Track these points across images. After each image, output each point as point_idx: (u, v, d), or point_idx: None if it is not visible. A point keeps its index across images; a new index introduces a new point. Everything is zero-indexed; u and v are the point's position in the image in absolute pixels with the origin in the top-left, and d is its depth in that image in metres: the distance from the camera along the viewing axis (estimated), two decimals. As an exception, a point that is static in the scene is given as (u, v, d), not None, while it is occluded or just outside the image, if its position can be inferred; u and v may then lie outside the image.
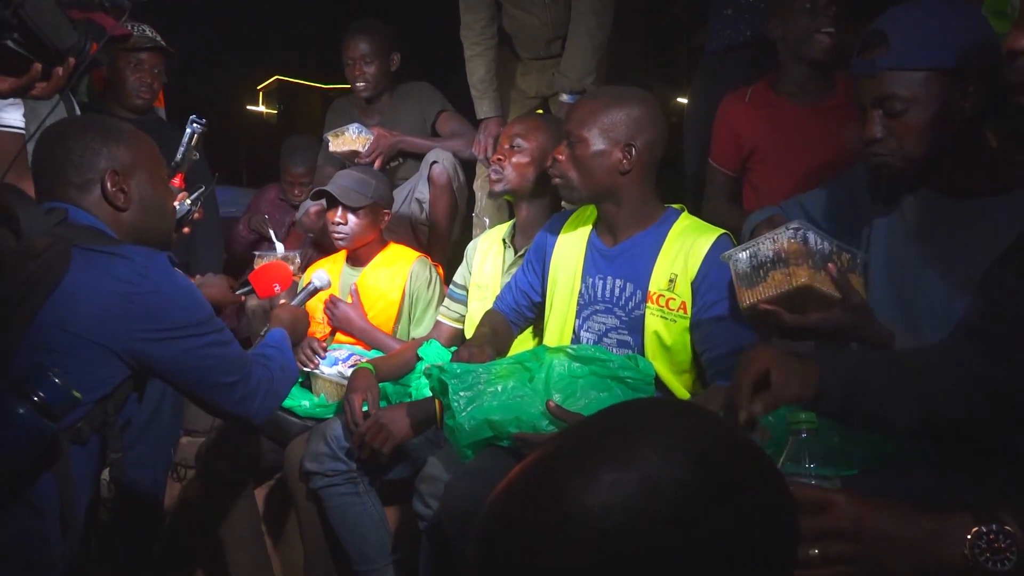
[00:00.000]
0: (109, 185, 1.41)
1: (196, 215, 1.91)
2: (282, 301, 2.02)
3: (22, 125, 1.85)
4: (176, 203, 1.94)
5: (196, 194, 1.97)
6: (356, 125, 2.89)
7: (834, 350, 1.36)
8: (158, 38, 2.75)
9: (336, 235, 2.38)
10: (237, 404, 1.46)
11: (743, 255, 1.41)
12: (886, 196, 1.49)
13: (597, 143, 1.70)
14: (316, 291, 2.09)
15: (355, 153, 2.87)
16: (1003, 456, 1.24)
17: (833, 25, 2.05)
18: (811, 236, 1.37)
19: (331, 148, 2.90)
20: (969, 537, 0.89)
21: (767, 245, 1.38)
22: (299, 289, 2.14)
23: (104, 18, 1.62)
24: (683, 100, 5.60)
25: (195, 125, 2.01)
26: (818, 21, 2.07)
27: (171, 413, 2.09)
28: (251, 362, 1.49)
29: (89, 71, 2.08)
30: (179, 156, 2.01)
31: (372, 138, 2.86)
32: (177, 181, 2.00)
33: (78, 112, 2.35)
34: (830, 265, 1.36)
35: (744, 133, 2.24)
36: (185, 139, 2.00)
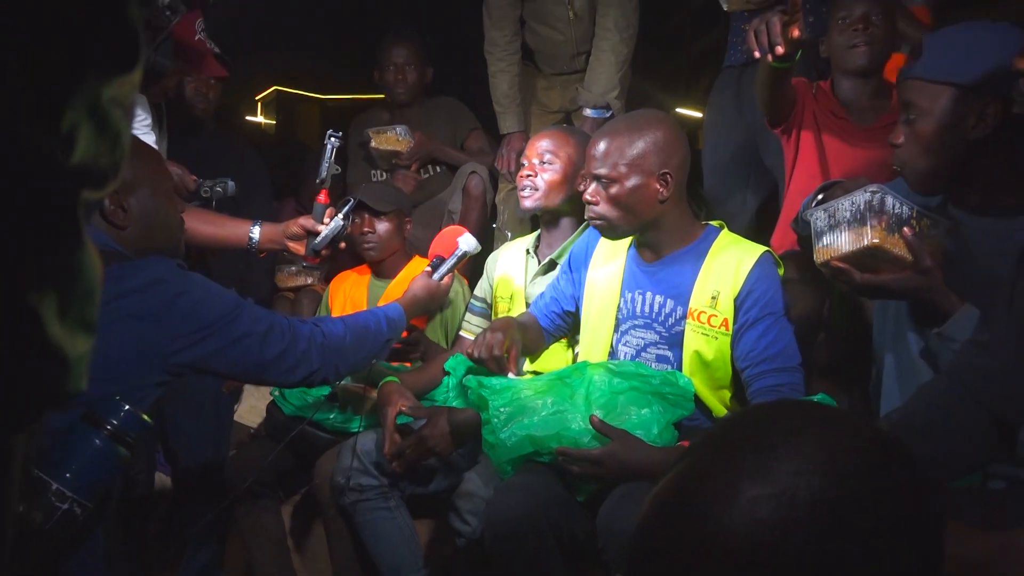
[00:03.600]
0: (107, 203, 1.40)
1: (349, 229, 1.93)
2: (426, 269, 2.01)
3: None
4: (327, 219, 1.96)
5: (346, 208, 1.99)
6: (402, 127, 2.92)
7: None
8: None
9: (366, 245, 2.37)
10: (291, 372, 1.49)
11: (822, 212, 1.47)
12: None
13: (631, 179, 1.67)
14: (465, 256, 2.05)
15: (395, 153, 2.90)
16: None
17: (865, 37, 2.07)
18: (888, 199, 1.41)
19: (372, 144, 2.92)
20: None
21: (845, 204, 1.43)
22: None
23: (203, 51, 1.67)
24: (683, 110, 5.62)
25: (333, 139, 2.03)
26: (849, 36, 2.09)
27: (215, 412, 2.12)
28: (294, 328, 1.51)
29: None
30: (323, 172, 2.02)
31: (414, 142, 2.88)
32: (322, 197, 2.03)
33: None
34: (905, 229, 1.40)
35: (802, 121, 2.19)
36: (327, 154, 2.02)
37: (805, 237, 1.74)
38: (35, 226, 0.43)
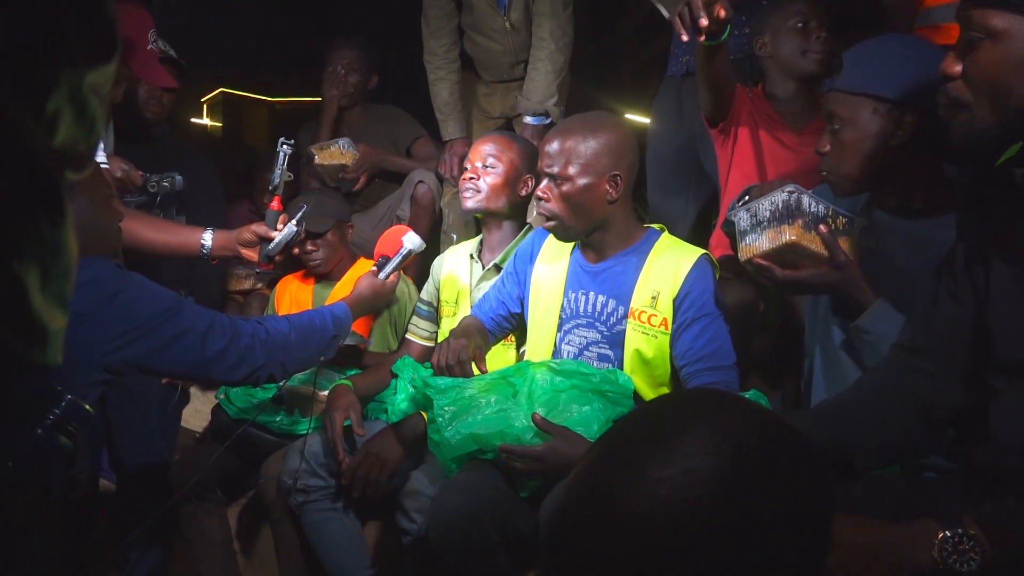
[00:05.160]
0: None
1: (302, 235, 1.91)
2: (372, 269, 2.04)
3: (103, 157, 1.88)
4: (280, 225, 1.96)
5: (299, 215, 2.00)
6: (345, 140, 2.92)
7: (793, 412, 1.44)
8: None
9: (312, 264, 2.39)
10: (234, 369, 1.50)
11: (744, 213, 1.52)
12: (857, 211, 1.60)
13: (583, 179, 1.73)
14: (409, 255, 2.08)
15: (341, 167, 2.90)
16: (958, 462, 1.34)
17: (821, 46, 2.14)
18: (805, 198, 1.48)
19: (316, 161, 2.92)
20: (936, 542, 0.97)
21: (764, 205, 1.49)
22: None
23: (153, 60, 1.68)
24: (631, 116, 5.72)
25: (285, 147, 2.04)
26: (809, 41, 2.15)
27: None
28: (236, 325, 1.52)
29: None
30: (276, 179, 2.03)
31: (359, 154, 2.89)
32: (275, 204, 2.03)
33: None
34: (822, 226, 1.47)
35: (741, 126, 2.23)
36: (279, 161, 2.03)
37: (733, 236, 1.82)
38: (24, 199, 0.45)
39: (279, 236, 1.99)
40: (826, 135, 1.52)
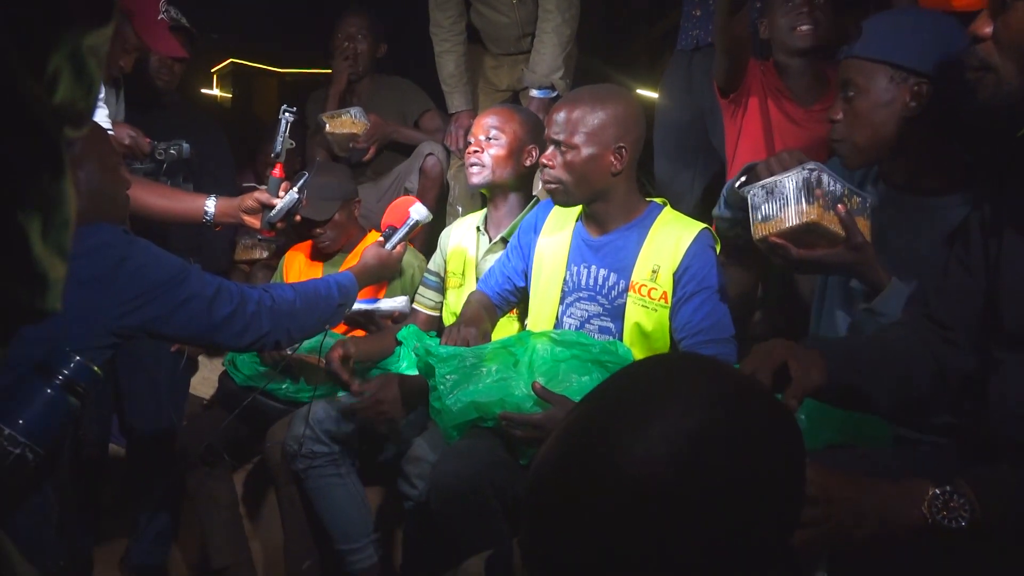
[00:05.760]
0: None
1: (304, 203, 1.95)
2: (379, 239, 2.06)
3: (109, 125, 1.89)
4: (282, 192, 1.99)
5: (301, 182, 2.02)
6: (357, 109, 2.93)
7: (828, 340, 1.42)
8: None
9: (322, 245, 2.41)
10: (241, 335, 1.52)
11: (760, 190, 1.49)
12: (860, 186, 1.59)
13: (588, 148, 1.74)
14: (416, 226, 2.10)
15: (352, 136, 2.91)
16: (954, 432, 1.36)
17: (810, 20, 2.13)
18: (825, 177, 1.44)
19: (327, 129, 2.92)
20: (927, 498, 0.99)
21: (783, 181, 1.46)
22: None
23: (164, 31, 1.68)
24: (643, 92, 5.68)
25: (287, 114, 2.05)
26: (793, 18, 2.15)
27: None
28: (243, 292, 1.55)
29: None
30: (277, 147, 2.05)
31: (370, 124, 2.90)
32: (277, 172, 2.05)
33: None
34: (839, 206, 1.44)
35: (748, 102, 2.25)
36: (281, 129, 2.04)
37: (723, 218, 1.81)
38: (26, 153, 0.47)
39: (281, 203, 2.01)
40: (839, 103, 1.50)
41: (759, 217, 1.50)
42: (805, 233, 1.46)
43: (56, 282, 0.51)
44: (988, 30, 1.16)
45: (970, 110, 1.25)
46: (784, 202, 1.47)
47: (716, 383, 0.67)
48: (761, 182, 1.52)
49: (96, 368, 1.17)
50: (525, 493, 0.67)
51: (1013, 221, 1.22)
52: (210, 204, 2.04)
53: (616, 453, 0.62)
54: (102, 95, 1.78)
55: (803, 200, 1.44)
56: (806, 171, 1.45)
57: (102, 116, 1.88)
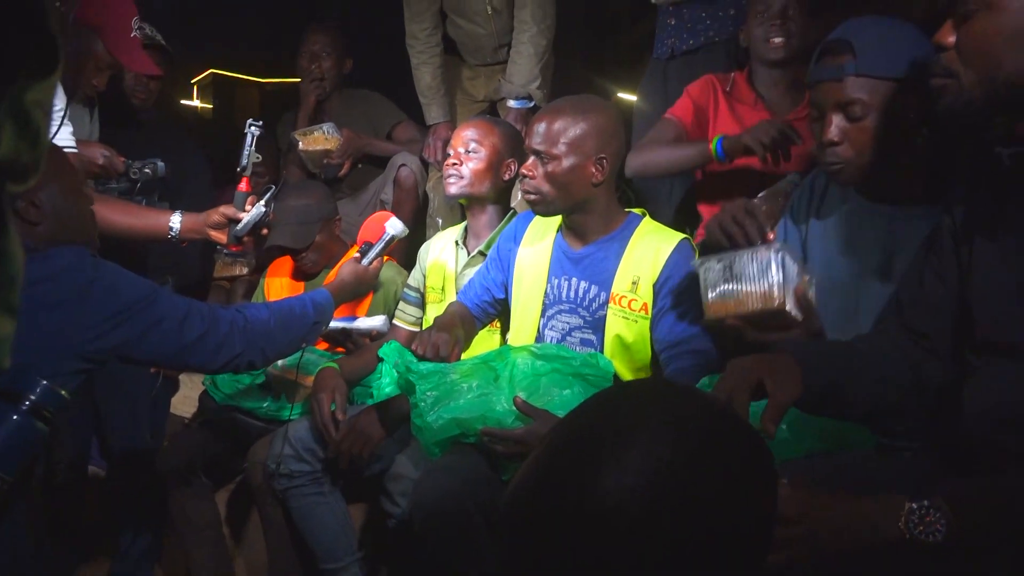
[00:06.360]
0: (19, 200, 1.41)
1: (271, 216, 1.93)
2: (355, 256, 2.04)
3: (73, 143, 1.88)
4: (248, 206, 1.97)
5: (268, 196, 2.00)
6: (329, 124, 2.92)
7: (802, 344, 1.38)
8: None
9: (305, 267, 2.39)
10: (213, 356, 1.51)
11: (717, 266, 1.40)
12: (827, 200, 1.59)
13: (570, 159, 1.74)
14: (392, 241, 2.07)
15: (326, 153, 2.90)
16: (932, 439, 1.37)
17: (783, 32, 2.15)
18: (788, 259, 1.37)
19: (301, 147, 2.91)
20: (903, 513, 0.99)
21: (744, 260, 1.38)
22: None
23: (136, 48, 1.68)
24: (623, 95, 5.70)
25: (253, 128, 2.03)
26: (766, 29, 2.17)
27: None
28: (214, 313, 1.53)
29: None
30: (243, 160, 2.02)
31: (342, 139, 2.89)
32: (243, 185, 2.03)
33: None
34: (799, 287, 1.38)
35: (716, 122, 2.28)
36: (247, 143, 2.02)
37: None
38: None
39: (247, 217, 1.99)
40: (835, 124, 1.41)
41: (715, 295, 1.41)
42: (767, 316, 1.38)
43: (4, 339, 0.50)
44: (951, 39, 1.17)
45: (934, 116, 1.25)
46: (747, 282, 1.37)
47: (685, 411, 0.67)
48: (718, 256, 1.42)
49: (64, 392, 1.16)
50: (500, 525, 0.67)
51: (982, 228, 1.23)
52: (175, 220, 2.02)
53: (587, 484, 0.62)
54: (67, 114, 1.77)
55: (767, 282, 1.36)
56: (771, 252, 1.37)
57: (66, 134, 1.86)
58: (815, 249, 1.59)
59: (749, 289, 1.37)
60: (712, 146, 2.08)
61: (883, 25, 1.46)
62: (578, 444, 0.65)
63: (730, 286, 1.38)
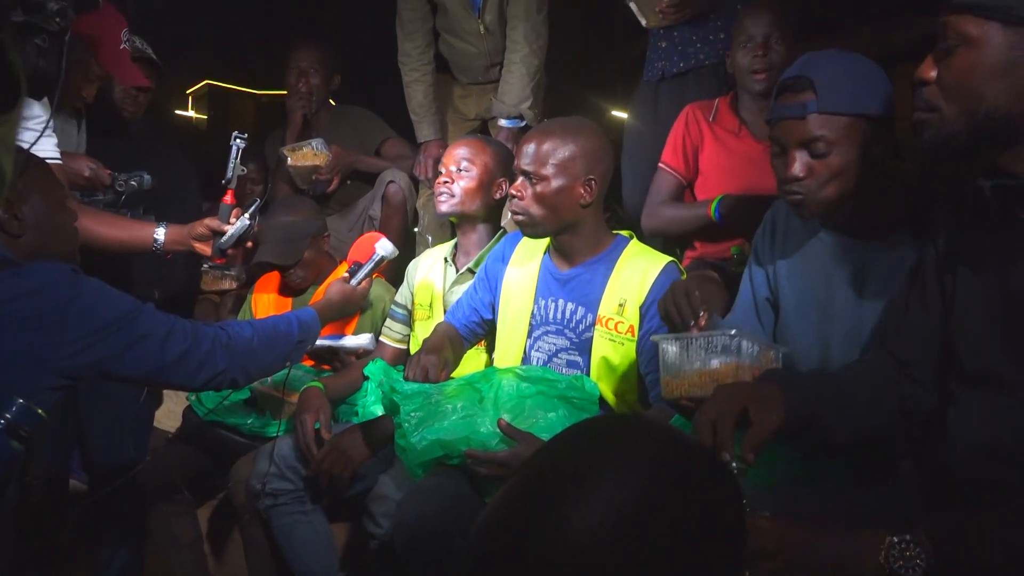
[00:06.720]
0: (1, 213, 1.41)
1: (256, 228, 1.93)
2: (344, 275, 2.03)
3: (57, 154, 1.87)
4: (233, 219, 1.97)
5: (252, 208, 1.99)
6: (318, 140, 2.92)
7: (787, 373, 1.39)
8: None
9: (294, 283, 2.39)
10: (195, 374, 1.49)
11: (673, 347, 1.42)
12: (791, 236, 1.59)
13: (558, 180, 1.75)
14: (382, 261, 2.07)
15: (315, 169, 2.89)
16: (913, 470, 1.37)
17: (764, 63, 2.16)
18: (744, 343, 1.38)
19: (289, 163, 2.91)
20: (884, 547, 0.99)
21: (699, 345, 1.39)
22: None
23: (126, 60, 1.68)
24: (617, 113, 5.73)
25: (238, 140, 2.03)
26: (750, 60, 2.19)
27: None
28: (196, 330, 1.52)
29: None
30: (229, 173, 2.02)
31: (331, 155, 2.89)
32: (228, 198, 2.03)
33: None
34: (756, 369, 1.37)
35: (703, 151, 2.31)
36: (232, 155, 2.02)
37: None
38: None
39: (232, 229, 1.99)
40: (798, 161, 1.42)
41: (670, 375, 1.42)
42: None
43: None
44: (932, 74, 1.18)
45: (916, 149, 1.26)
46: (700, 365, 1.39)
47: (652, 451, 0.67)
48: (676, 336, 1.44)
49: (40, 411, 1.14)
50: (465, 556, 0.66)
51: (964, 260, 1.24)
52: (159, 232, 2.02)
53: (553, 523, 0.62)
54: (51, 125, 1.76)
55: (721, 365, 1.37)
56: (726, 337, 1.38)
57: (50, 145, 1.85)
58: (784, 288, 1.59)
59: (700, 370, 1.39)
60: (711, 211, 2.19)
61: (844, 60, 1.46)
62: (546, 482, 0.66)
63: (685, 368, 1.40)
